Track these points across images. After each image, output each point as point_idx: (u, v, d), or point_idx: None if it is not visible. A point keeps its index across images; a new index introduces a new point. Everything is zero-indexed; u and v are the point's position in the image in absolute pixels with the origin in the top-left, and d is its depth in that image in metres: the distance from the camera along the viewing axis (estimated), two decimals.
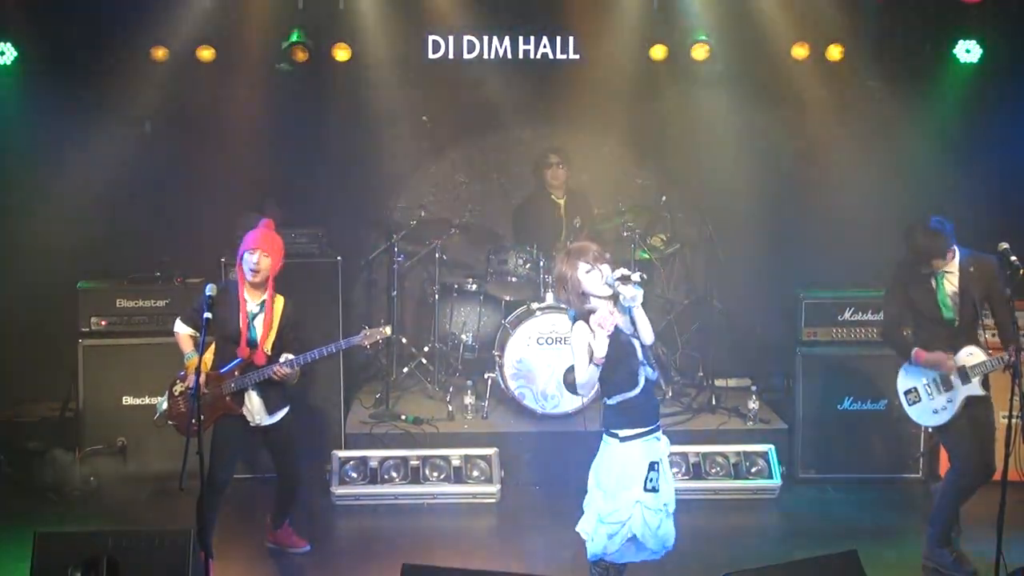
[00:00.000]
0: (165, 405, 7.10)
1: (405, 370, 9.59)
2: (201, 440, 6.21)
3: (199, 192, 9.36)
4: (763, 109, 9.68)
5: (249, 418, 6.98)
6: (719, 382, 9.38)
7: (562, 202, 9.77)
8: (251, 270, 6.87)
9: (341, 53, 9.16)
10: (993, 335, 7.11)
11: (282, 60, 9.11)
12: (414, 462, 8.30)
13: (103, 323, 8.58)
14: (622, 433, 5.92)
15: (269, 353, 6.93)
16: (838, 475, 8.57)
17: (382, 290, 10.05)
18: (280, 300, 6.99)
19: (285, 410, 7.08)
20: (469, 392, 8.89)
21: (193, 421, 6.21)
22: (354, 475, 8.27)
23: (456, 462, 8.31)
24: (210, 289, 6.52)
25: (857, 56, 9.23)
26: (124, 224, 9.39)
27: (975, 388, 6.86)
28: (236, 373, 6.89)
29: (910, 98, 9.25)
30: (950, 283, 6.90)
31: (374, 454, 8.35)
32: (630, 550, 6.00)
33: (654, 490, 5.90)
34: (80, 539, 5.98)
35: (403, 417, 8.79)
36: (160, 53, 8.99)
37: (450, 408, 8.92)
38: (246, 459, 7.88)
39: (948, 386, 6.93)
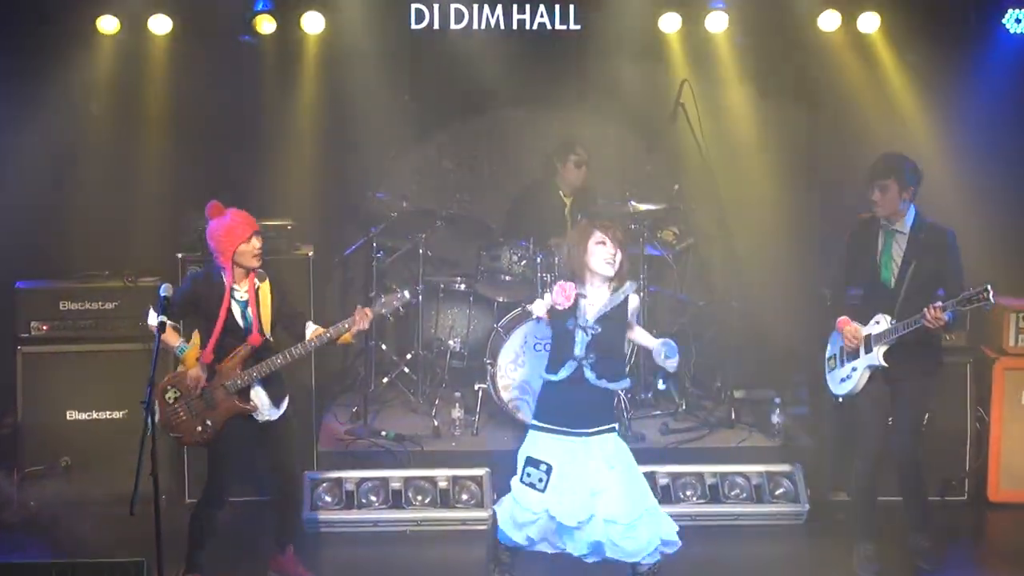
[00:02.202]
0: (157, 418, 6.91)
1: (385, 380, 9.61)
2: (156, 461, 6.12)
3: (152, 180, 9.30)
4: (787, 86, 9.72)
5: (258, 416, 7.00)
6: (738, 394, 9.42)
7: (569, 200, 9.81)
8: (256, 256, 6.89)
9: (313, 23, 9.12)
10: None
11: (246, 31, 9.08)
12: (396, 484, 8.27)
13: (44, 328, 8.52)
14: (534, 420, 6.53)
15: (271, 338, 6.98)
16: None
17: (359, 290, 10.03)
18: (260, 281, 7.03)
19: (287, 400, 7.10)
20: (457, 405, 8.93)
21: (199, 428, 6.80)
22: (328, 499, 8.25)
23: (443, 484, 8.29)
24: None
25: (894, 27, 9.21)
26: (68, 217, 9.30)
27: (874, 359, 7.17)
28: (240, 367, 6.90)
29: (954, 74, 9.21)
30: (897, 244, 7.24)
31: (350, 475, 8.32)
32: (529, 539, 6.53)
33: (531, 486, 6.38)
34: (21, 571, 6.14)
35: (383, 433, 8.81)
36: (108, 24, 8.93)
37: (436, 423, 8.96)
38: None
39: (856, 355, 7.32)
